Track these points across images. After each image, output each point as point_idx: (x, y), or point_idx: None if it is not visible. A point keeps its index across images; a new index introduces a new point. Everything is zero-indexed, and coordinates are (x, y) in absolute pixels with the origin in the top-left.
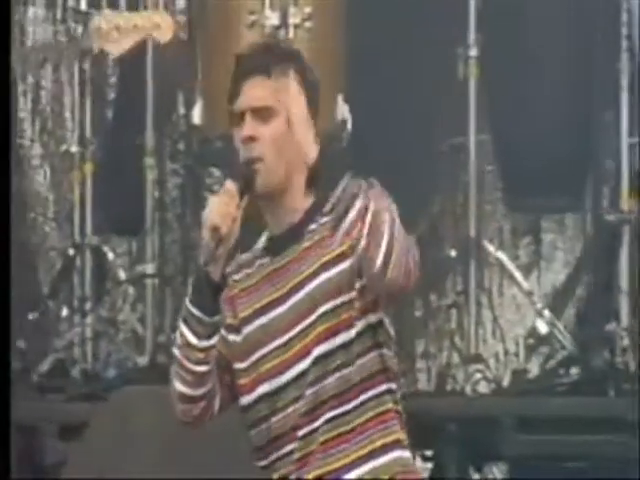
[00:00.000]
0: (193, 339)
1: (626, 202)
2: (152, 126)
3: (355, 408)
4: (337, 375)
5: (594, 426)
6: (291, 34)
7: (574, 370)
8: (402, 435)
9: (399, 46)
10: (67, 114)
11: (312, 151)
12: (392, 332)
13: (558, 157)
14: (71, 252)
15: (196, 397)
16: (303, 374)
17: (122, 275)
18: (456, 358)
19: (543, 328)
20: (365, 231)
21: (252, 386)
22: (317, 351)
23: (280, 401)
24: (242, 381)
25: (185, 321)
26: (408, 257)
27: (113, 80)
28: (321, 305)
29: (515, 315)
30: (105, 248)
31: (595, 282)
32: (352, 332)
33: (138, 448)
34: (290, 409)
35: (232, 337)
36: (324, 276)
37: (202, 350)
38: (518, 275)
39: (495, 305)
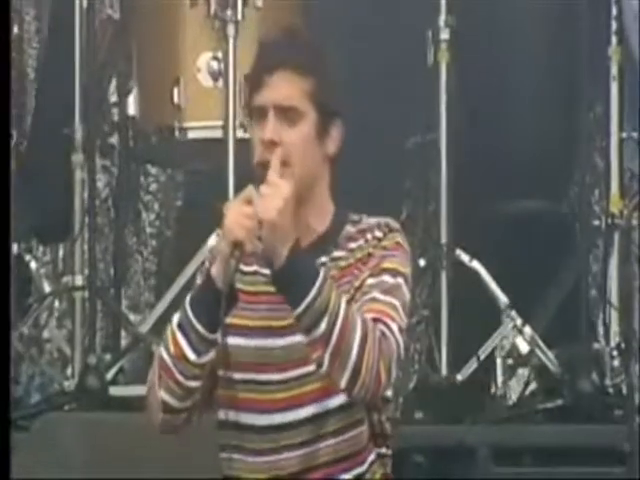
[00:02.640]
0: (192, 355)
1: (617, 205)
2: (81, 117)
3: None
4: (332, 441)
5: (582, 457)
6: (239, 14)
7: (558, 394)
8: None
9: (361, 28)
10: None
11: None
12: (387, 393)
13: (539, 154)
14: None
15: (181, 409)
16: (293, 425)
17: (47, 287)
18: (425, 381)
19: (524, 347)
20: (330, 347)
21: (231, 404)
22: (314, 408)
23: (255, 443)
24: (220, 391)
25: (182, 331)
26: (379, 367)
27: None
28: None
29: (492, 333)
30: (27, 257)
31: (582, 295)
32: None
33: None
34: (266, 458)
35: (217, 337)
36: None
37: (200, 366)
38: (495, 287)
39: (469, 321)
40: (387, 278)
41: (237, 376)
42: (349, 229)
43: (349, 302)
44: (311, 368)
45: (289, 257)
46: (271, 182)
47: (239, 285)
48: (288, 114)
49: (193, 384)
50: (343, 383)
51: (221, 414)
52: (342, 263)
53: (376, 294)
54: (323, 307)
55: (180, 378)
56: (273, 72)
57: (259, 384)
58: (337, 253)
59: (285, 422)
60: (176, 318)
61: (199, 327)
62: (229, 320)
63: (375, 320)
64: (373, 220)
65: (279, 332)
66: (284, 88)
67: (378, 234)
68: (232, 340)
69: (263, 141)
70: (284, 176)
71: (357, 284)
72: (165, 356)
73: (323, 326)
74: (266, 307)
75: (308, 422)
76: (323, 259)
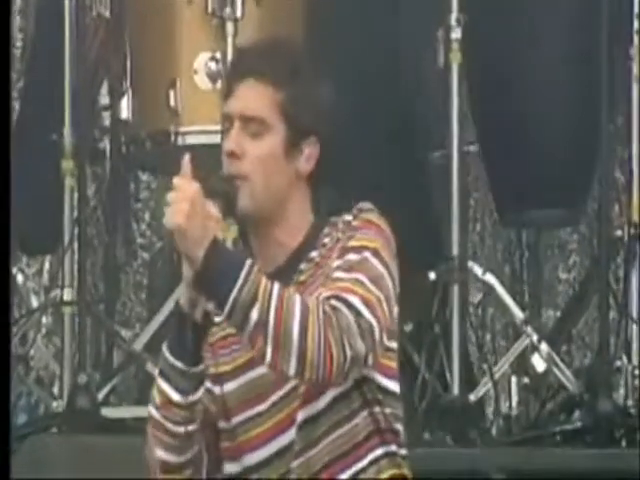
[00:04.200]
0: (176, 396)
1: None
2: (70, 122)
3: None
4: (325, 442)
5: None
6: (239, 11)
7: (577, 415)
8: None
9: (367, 26)
10: None
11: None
12: (389, 386)
13: (557, 162)
14: None
15: (182, 464)
16: (288, 447)
17: (34, 302)
18: (436, 402)
19: (540, 365)
20: (269, 335)
21: (236, 454)
22: (301, 415)
23: (263, 475)
24: (226, 444)
25: (163, 375)
26: (328, 343)
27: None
28: None
29: (507, 349)
30: (13, 269)
31: (602, 310)
32: (338, 390)
33: None
34: None
35: (216, 390)
36: None
37: (186, 407)
38: (510, 302)
39: (483, 338)
40: (351, 256)
41: (234, 421)
42: (326, 230)
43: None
44: (289, 385)
45: (205, 260)
46: (175, 186)
47: (218, 334)
48: (253, 125)
49: (183, 430)
50: (292, 370)
51: (227, 468)
52: (317, 259)
53: (338, 273)
54: (251, 296)
55: (171, 426)
56: (242, 80)
57: (253, 419)
58: (313, 254)
59: (281, 446)
60: (157, 368)
61: (178, 364)
62: (214, 370)
63: (328, 297)
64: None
65: (250, 365)
66: (251, 98)
67: (348, 218)
68: (227, 386)
69: (226, 153)
70: (242, 190)
71: (327, 271)
72: (153, 412)
73: (255, 315)
74: (241, 344)
75: (298, 433)
76: (302, 266)
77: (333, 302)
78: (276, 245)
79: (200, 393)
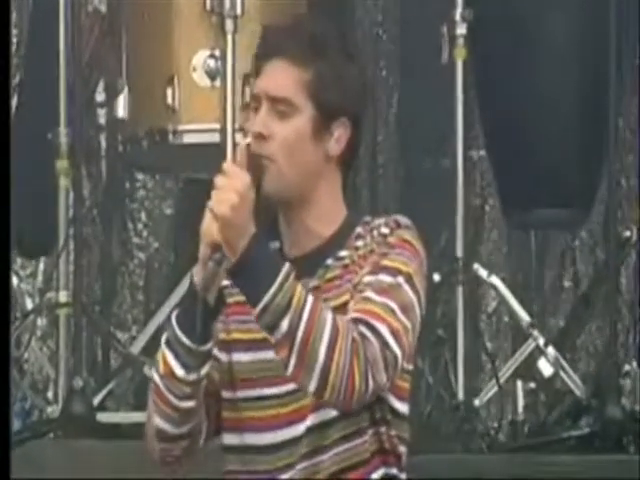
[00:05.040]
0: (180, 371)
1: None
2: (66, 120)
3: None
4: (332, 452)
5: None
6: (238, 7)
7: (585, 421)
8: None
9: (369, 23)
10: None
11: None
12: (399, 407)
13: (564, 161)
14: None
15: (179, 435)
16: (293, 442)
17: (29, 304)
18: (440, 407)
19: (547, 369)
20: (294, 349)
21: (236, 426)
22: (310, 420)
23: (263, 464)
24: (227, 414)
25: (170, 347)
26: (352, 371)
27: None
28: None
29: (512, 353)
30: None
31: (610, 313)
32: None
33: None
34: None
35: (222, 356)
36: None
37: (190, 384)
38: (516, 305)
39: (488, 341)
40: (385, 277)
41: (239, 394)
42: (358, 230)
43: (343, 305)
44: None
45: (245, 252)
46: (227, 172)
47: (232, 298)
48: (281, 106)
49: (185, 404)
50: (312, 387)
51: (226, 438)
52: (346, 261)
53: (370, 293)
54: (284, 305)
55: (172, 399)
56: (269, 60)
57: (260, 400)
58: (342, 253)
59: (287, 438)
60: (164, 336)
61: (185, 340)
62: (224, 336)
63: (357, 320)
64: (384, 218)
65: (269, 344)
66: (279, 78)
67: (384, 230)
68: (236, 355)
69: (253, 134)
70: (268, 171)
71: (356, 281)
72: (156, 378)
73: (285, 325)
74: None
75: (308, 434)
76: (328, 261)
77: (362, 329)
78: (305, 231)
79: (204, 371)
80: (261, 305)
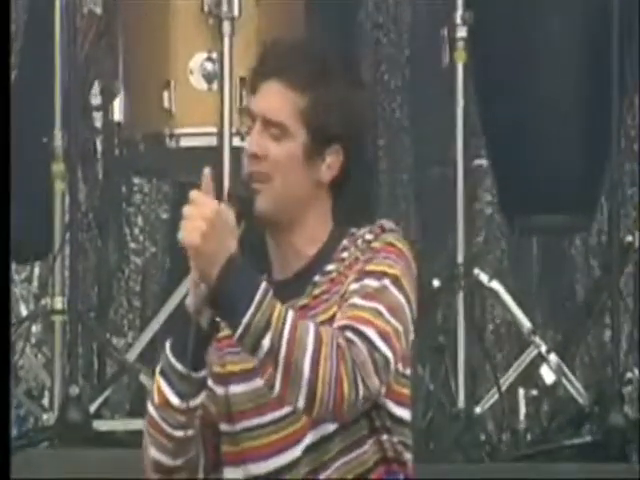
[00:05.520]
0: (174, 399)
1: None
2: (61, 124)
3: None
4: (334, 467)
5: None
6: (236, 9)
7: (587, 429)
8: None
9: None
10: None
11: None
12: (400, 413)
13: (565, 166)
14: None
15: (176, 467)
16: (294, 465)
17: (23, 310)
18: (441, 415)
19: (549, 376)
20: (279, 366)
21: (238, 459)
22: (309, 438)
23: None
24: (228, 448)
25: (164, 375)
26: (339, 378)
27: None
28: None
29: (514, 360)
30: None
31: (613, 320)
32: None
33: None
34: None
35: (220, 390)
36: None
37: (184, 412)
38: (518, 311)
39: (489, 348)
40: (370, 282)
41: (238, 427)
42: (344, 243)
43: (331, 318)
44: None
45: (220, 278)
46: (194, 201)
47: (224, 332)
48: (274, 129)
49: (181, 434)
50: (300, 404)
51: (228, 473)
52: (333, 275)
53: (356, 299)
54: (263, 324)
55: (167, 428)
56: (266, 80)
57: (258, 428)
58: (329, 267)
59: (288, 461)
60: (159, 366)
61: (179, 367)
62: (219, 369)
63: (344, 327)
64: (369, 226)
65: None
66: (274, 101)
67: (368, 237)
68: (232, 388)
69: (247, 154)
70: (262, 192)
71: (342, 291)
72: (151, 409)
73: (266, 344)
74: None
75: (307, 454)
76: (316, 278)
77: (348, 334)
78: (293, 252)
79: (200, 400)
80: (241, 328)
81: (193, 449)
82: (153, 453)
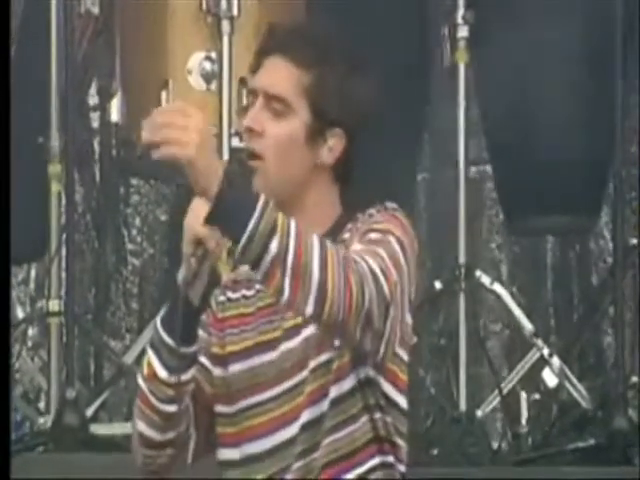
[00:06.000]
0: (162, 372)
1: None
2: (58, 125)
3: None
4: (324, 444)
5: None
6: (235, 8)
7: (590, 432)
8: None
9: (370, 26)
10: None
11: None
12: (394, 396)
13: (569, 166)
14: None
15: (163, 442)
16: (290, 442)
17: (19, 313)
18: (442, 418)
19: (551, 379)
20: (287, 269)
21: (235, 440)
22: (305, 416)
23: (262, 470)
24: (224, 429)
25: (154, 348)
26: (348, 281)
27: None
28: (313, 358)
29: (516, 363)
30: None
31: (616, 322)
32: (343, 388)
33: None
34: None
35: (218, 371)
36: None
37: (172, 386)
38: (520, 313)
39: (491, 351)
40: (373, 235)
41: (237, 406)
42: (349, 226)
43: None
44: (303, 374)
45: (220, 190)
46: (182, 111)
47: (229, 312)
48: (276, 104)
49: (168, 408)
50: (310, 308)
51: (223, 454)
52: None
53: (356, 246)
54: (269, 229)
55: (154, 401)
56: (269, 55)
57: (257, 406)
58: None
59: (284, 439)
60: (149, 338)
61: (168, 340)
62: (218, 350)
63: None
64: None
65: (270, 345)
66: (278, 75)
67: (371, 211)
68: (233, 368)
69: (244, 128)
70: (259, 172)
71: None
72: (140, 382)
73: (274, 246)
74: (253, 325)
75: (303, 432)
76: None
77: (347, 254)
78: None
79: (189, 375)
80: (246, 235)
81: (182, 425)
82: (141, 427)
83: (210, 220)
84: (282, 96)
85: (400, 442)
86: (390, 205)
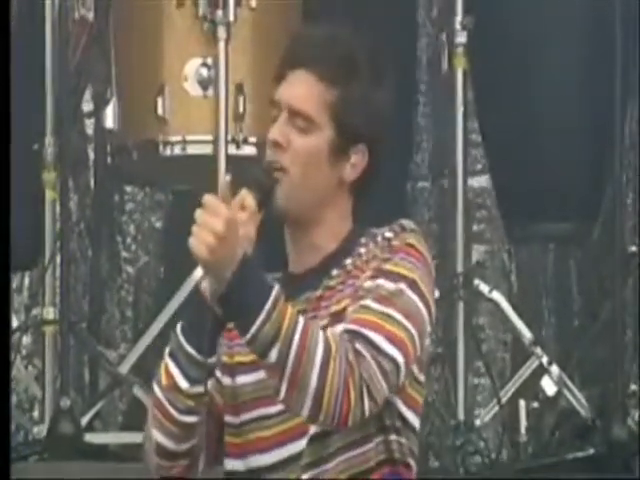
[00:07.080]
0: (183, 383)
1: None
2: (52, 131)
3: None
4: (335, 461)
5: None
6: (231, 14)
7: (590, 441)
8: None
9: (367, 31)
10: None
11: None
12: (410, 418)
13: (567, 172)
14: None
15: (180, 453)
16: (297, 457)
17: (13, 321)
18: (440, 426)
19: (550, 388)
20: (285, 377)
21: (240, 452)
22: (314, 429)
23: None
24: (230, 440)
25: (174, 359)
26: (347, 391)
27: None
28: None
29: (515, 372)
30: None
31: (616, 331)
32: None
33: None
34: None
35: (226, 380)
36: None
37: (194, 397)
38: (518, 321)
39: (489, 359)
40: (385, 283)
41: (243, 418)
42: (363, 240)
43: (343, 310)
44: None
45: (229, 286)
46: (207, 207)
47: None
48: (300, 121)
49: (188, 419)
50: (305, 412)
51: (230, 465)
52: (349, 267)
53: (368, 301)
54: (272, 334)
55: (173, 412)
56: (293, 68)
57: (263, 419)
58: (347, 261)
59: (291, 454)
60: (168, 348)
61: (191, 351)
62: (227, 360)
63: (352, 333)
64: (388, 225)
65: None
66: (302, 91)
67: (388, 234)
68: (240, 379)
69: (269, 142)
70: (282, 185)
71: (357, 285)
72: (157, 391)
73: (274, 355)
74: None
75: (310, 445)
76: (334, 272)
77: (358, 346)
78: (311, 248)
79: (208, 386)
80: (249, 335)
81: (197, 436)
82: (157, 437)
83: (219, 304)
84: (307, 113)
85: (413, 464)
86: (407, 225)
